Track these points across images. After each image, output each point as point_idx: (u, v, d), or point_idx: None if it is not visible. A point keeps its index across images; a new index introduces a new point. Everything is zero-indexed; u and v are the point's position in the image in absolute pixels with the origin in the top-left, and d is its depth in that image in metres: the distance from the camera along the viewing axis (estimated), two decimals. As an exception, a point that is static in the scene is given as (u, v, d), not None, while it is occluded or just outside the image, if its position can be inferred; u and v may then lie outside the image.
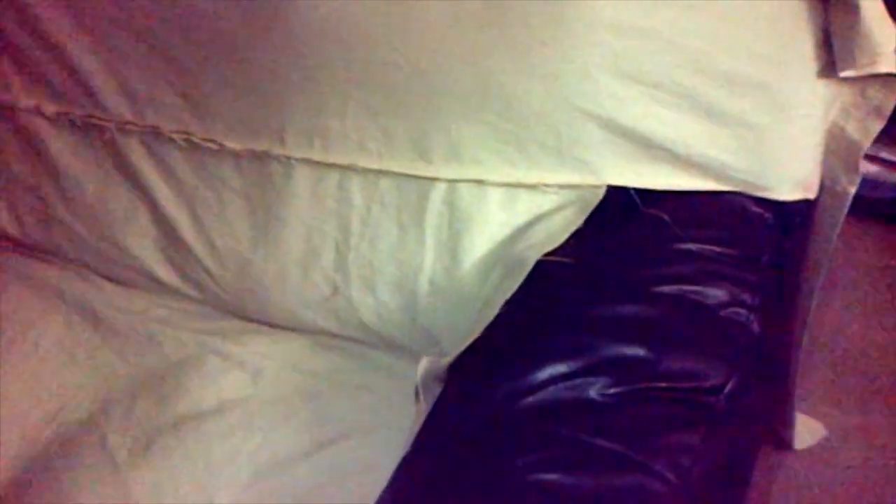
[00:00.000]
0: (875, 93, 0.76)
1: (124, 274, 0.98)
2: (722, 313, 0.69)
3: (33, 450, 0.84)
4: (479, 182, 0.78)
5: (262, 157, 0.85)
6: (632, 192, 0.76)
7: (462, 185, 0.79)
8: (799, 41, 0.73)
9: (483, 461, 0.61)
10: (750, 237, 0.76)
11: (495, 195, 0.78)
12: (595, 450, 0.59)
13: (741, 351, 0.68)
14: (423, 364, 0.71)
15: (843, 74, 0.73)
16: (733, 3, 0.72)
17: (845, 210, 0.82)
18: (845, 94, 0.77)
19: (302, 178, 0.84)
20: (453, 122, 0.76)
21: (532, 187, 0.78)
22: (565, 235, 0.75)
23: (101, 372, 0.91)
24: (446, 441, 0.65)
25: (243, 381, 0.88)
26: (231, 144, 0.86)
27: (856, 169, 0.79)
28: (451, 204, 0.80)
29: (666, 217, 0.73)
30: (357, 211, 0.83)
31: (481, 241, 0.79)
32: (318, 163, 0.83)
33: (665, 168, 0.76)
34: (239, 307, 0.94)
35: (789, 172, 0.77)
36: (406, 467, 0.65)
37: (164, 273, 0.95)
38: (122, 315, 0.96)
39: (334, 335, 0.91)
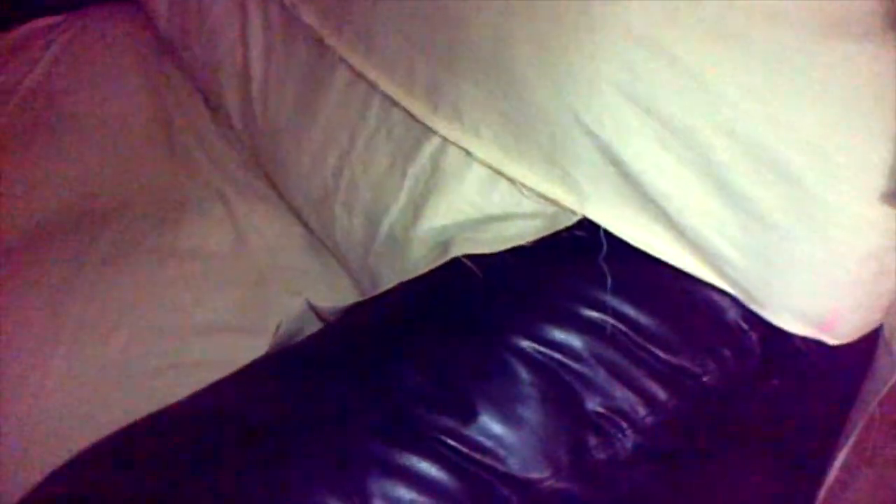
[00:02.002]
0: None
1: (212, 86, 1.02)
2: (589, 407, 0.58)
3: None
4: (468, 153, 0.70)
5: (320, 43, 0.83)
6: (602, 232, 0.64)
7: (452, 149, 0.71)
8: (869, 145, 0.55)
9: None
10: (704, 345, 0.61)
11: (477, 173, 0.70)
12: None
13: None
14: (305, 304, 0.68)
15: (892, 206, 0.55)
16: (811, 68, 0.55)
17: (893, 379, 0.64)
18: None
19: (340, 77, 0.82)
20: (464, 80, 0.68)
21: (513, 182, 0.68)
22: (514, 244, 0.65)
23: (127, 169, 0.97)
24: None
25: (228, 240, 0.90)
26: (304, 18, 0.85)
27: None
28: (436, 162, 0.72)
29: (605, 273, 0.61)
30: (367, 130, 0.79)
31: (444, 210, 0.71)
32: (353, 69, 0.79)
33: (650, 226, 0.63)
34: (264, 164, 0.95)
35: (800, 300, 0.60)
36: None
37: (232, 98, 0.97)
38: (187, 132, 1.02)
39: (320, 240, 0.89)
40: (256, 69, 0.94)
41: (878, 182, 0.56)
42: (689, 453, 0.63)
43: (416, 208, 0.73)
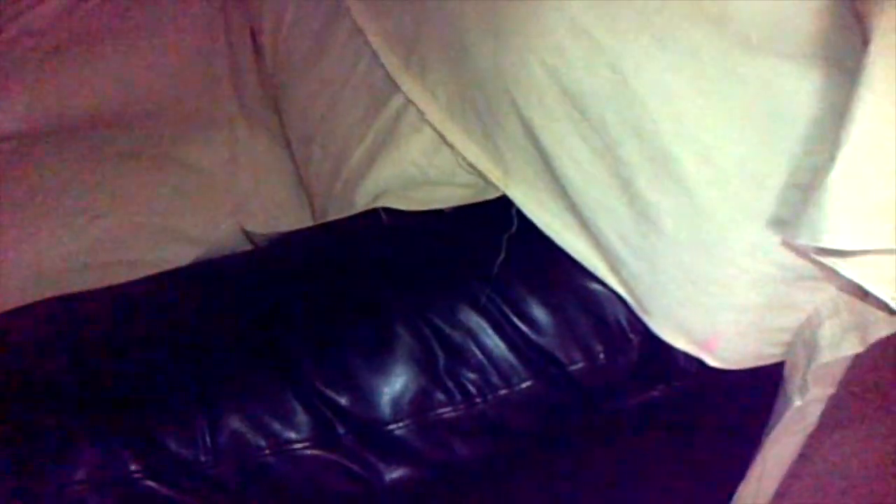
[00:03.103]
0: (866, 308, 0.56)
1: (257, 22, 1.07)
2: (445, 368, 0.59)
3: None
4: (422, 114, 0.72)
5: None
6: (514, 211, 0.65)
7: (412, 109, 0.73)
8: (769, 171, 0.55)
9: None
10: (578, 337, 0.62)
11: (426, 136, 0.72)
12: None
13: None
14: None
15: (783, 236, 0.54)
16: (727, 80, 0.55)
17: (784, 418, 0.63)
18: (831, 282, 0.57)
19: (344, 27, 0.85)
20: (433, 41, 0.71)
21: (453, 151, 0.70)
22: (437, 206, 0.68)
23: (162, 83, 1.03)
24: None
25: (221, 161, 0.95)
26: None
27: (804, 385, 0.60)
28: (396, 119, 0.75)
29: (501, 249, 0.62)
30: (354, 80, 0.82)
31: (390, 166, 0.74)
32: (353, 19, 0.82)
33: (562, 214, 0.64)
34: (278, 100, 1.00)
35: (681, 314, 0.60)
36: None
37: (268, 35, 1.02)
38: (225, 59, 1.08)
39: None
40: (290, 10, 0.98)
41: (772, 209, 0.55)
42: (546, 442, 0.64)
43: (370, 160, 0.76)
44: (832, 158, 0.49)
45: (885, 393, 0.68)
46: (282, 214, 0.91)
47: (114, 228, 0.86)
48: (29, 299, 0.69)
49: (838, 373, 0.67)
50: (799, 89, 0.53)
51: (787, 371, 0.65)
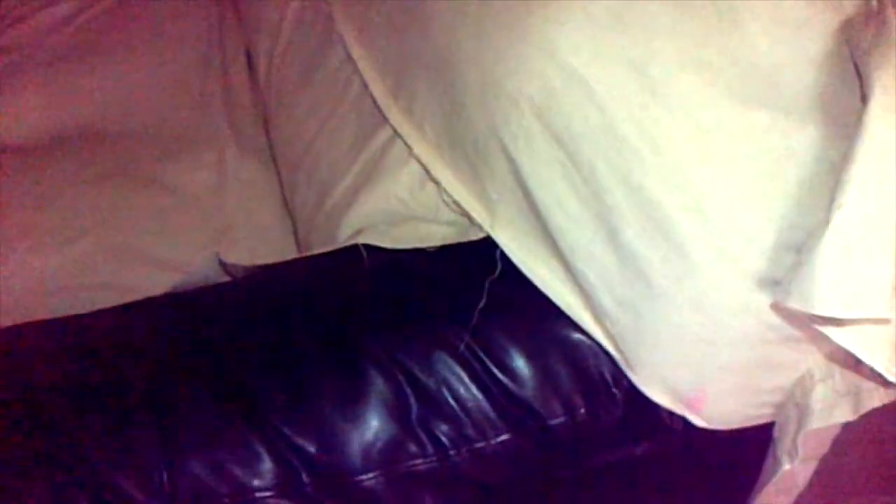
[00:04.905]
0: (860, 378, 0.54)
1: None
2: (419, 417, 0.57)
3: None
4: (410, 149, 0.70)
5: (330, 16, 0.85)
6: (498, 254, 0.63)
7: (399, 143, 0.71)
8: (760, 228, 0.52)
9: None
10: (559, 391, 0.59)
11: (412, 171, 0.70)
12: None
13: None
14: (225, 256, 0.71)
15: (774, 298, 0.52)
16: (720, 132, 0.53)
17: (772, 480, 0.61)
18: (824, 346, 0.55)
19: (336, 54, 0.82)
20: (422, 76, 0.69)
21: (439, 188, 0.68)
22: (419, 245, 0.66)
23: (153, 98, 1.02)
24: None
25: (209, 185, 0.93)
26: None
27: (793, 449, 0.57)
28: (382, 152, 0.73)
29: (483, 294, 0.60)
30: (343, 109, 0.80)
31: (375, 199, 0.72)
32: (345, 46, 0.80)
33: (547, 260, 0.61)
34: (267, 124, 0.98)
35: (666, 371, 0.58)
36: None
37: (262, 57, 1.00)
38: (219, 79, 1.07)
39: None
40: (285, 33, 0.96)
41: (763, 268, 0.53)
42: (524, 497, 0.61)
43: (355, 192, 0.74)
44: (826, 221, 0.47)
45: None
46: (266, 242, 0.89)
47: (90, 251, 0.84)
48: (-1, 322, 0.68)
49: (830, 435, 0.64)
50: (793, 145, 0.51)
51: (776, 432, 0.62)
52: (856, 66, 0.52)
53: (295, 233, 0.87)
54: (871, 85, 0.48)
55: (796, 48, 0.54)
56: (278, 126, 0.92)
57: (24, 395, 0.56)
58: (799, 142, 0.51)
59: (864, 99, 0.48)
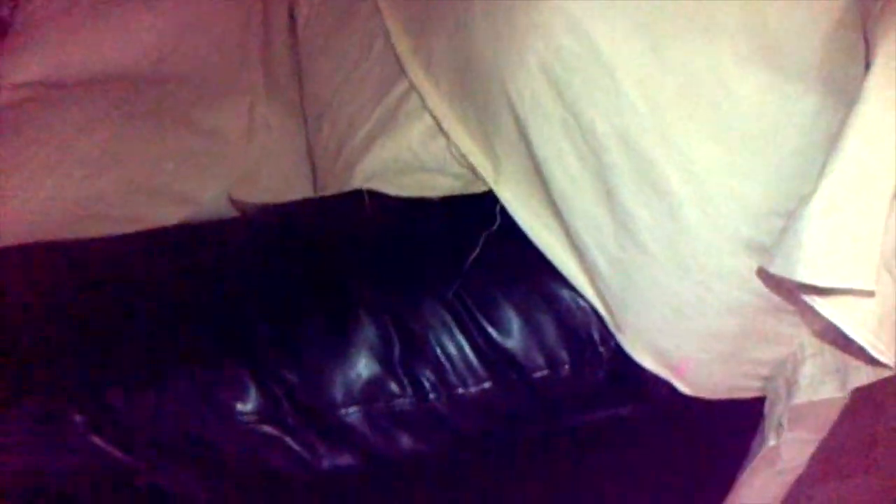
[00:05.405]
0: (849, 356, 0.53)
1: None
2: (401, 360, 0.58)
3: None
4: (423, 101, 0.71)
5: None
6: (499, 208, 0.63)
7: (414, 95, 0.72)
8: (752, 194, 0.52)
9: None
10: (544, 344, 0.60)
11: (425, 124, 0.70)
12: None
13: None
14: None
15: (761, 266, 0.51)
16: (720, 92, 0.52)
17: (759, 455, 0.60)
18: (813, 320, 0.54)
19: (366, 7, 0.83)
20: (442, 31, 0.69)
21: (448, 141, 0.68)
22: (424, 194, 0.66)
23: (196, 44, 1.04)
24: None
25: (238, 131, 0.95)
26: None
27: (780, 425, 0.57)
28: (399, 104, 0.74)
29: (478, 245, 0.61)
30: (368, 62, 0.81)
31: (388, 149, 0.72)
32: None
33: (546, 218, 0.62)
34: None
35: (652, 335, 0.58)
36: None
37: (302, 9, 1.01)
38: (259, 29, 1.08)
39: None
40: None
41: (753, 234, 0.52)
42: (502, 449, 0.62)
43: (371, 141, 0.75)
44: (816, 189, 0.46)
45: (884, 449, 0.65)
46: (286, 189, 0.90)
47: (117, 184, 0.86)
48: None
49: (823, 420, 0.63)
50: (793, 111, 0.50)
51: (767, 408, 0.62)
52: (865, 36, 0.51)
53: (314, 182, 0.89)
54: (875, 53, 0.47)
55: (809, 15, 0.53)
56: (309, 76, 0.93)
57: (26, 313, 0.58)
58: (799, 108, 0.51)
59: (868, 67, 0.47)
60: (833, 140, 0.47)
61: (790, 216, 0.48)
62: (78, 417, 0.56)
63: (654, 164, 0.54)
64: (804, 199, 0.47)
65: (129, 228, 0.72)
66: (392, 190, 0.67)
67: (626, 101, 0.54)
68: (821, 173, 0.46)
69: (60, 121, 0.93)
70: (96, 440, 0.56)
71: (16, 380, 0.56)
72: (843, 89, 0.50)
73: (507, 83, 0.60)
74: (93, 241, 0.67)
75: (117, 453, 0.57)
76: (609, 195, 0.56)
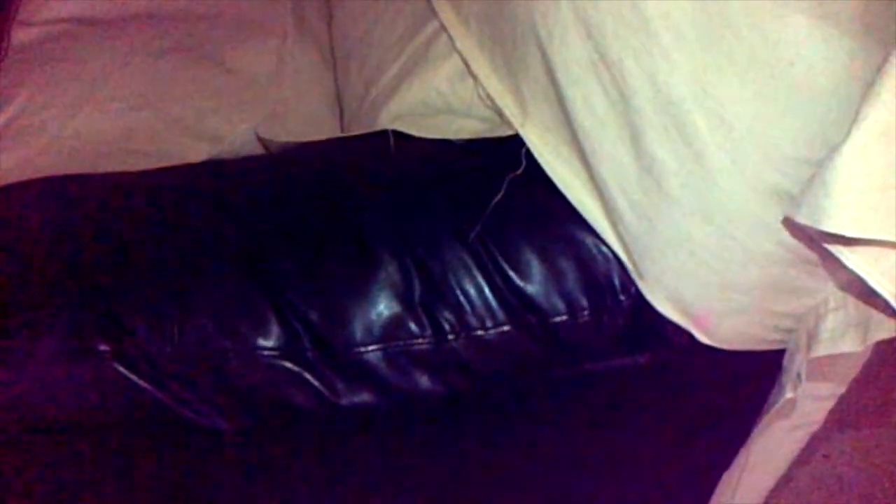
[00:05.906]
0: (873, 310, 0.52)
1: None
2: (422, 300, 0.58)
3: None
4: (453, 42, 0.70)
5: None
6: (524, 151, 0.62)
7: (443, 36, 0.71)
8: (781, 143, 0.51)
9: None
10: (564, 289, 0.60)
11: (453, 65, 0.70)
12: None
13: None
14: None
15: (786, 214, 0.50)
16: (752, 34, 0.51)
17: (775, 408, 0.60)
18: (837, 272, 0.54)
19: None
20: None
21: (476, 83, 0.68)
22: (449, 136, 0.66)
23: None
24: None
25: (266, 70, 0.95)
26: None
27: (798, 377, 0.57)
28: (427, 45, 0.73)
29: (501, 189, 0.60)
30: (398, 2, 0.80)
31: (415, 91, 0.72)
32: None
33: (571, 161, 0.61)
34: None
35: (674, 283, 0.57)
36: None
37: None
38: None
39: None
40: None
41: (779, 181, 0.51)
42: (519, 393, 0.62)
43: (399, 82, 0.74)
44: (847, 136, 0.45)
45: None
46: (314, 129, 0.90)
47: (149, 120, 0.87)
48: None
49: (844, 373, 0.63)
50: (828, 57, 0.49)
51: (786, 360, 0.61)
52: None
53: (341, 123, 0.89)
54: None
55: None
56: (338, 17, 0.92)
57: (52, 244, 0.59)
58: (834, 53, 0.49)
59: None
60: (867, 87, 0.46)
61: (819, 164, 0.47)
62: (103, 346, 0.57)
63: (682, 107, 0.53)
64: (835, 148, 0.46)
65: (158, 164, 0.73)
66: (418, 132, 0.67)
67: (656, 42, 0.53)
68: (853, 121, 0.45)
69: (94, 56, 0.94)
70: (121, 369, 0.58)
71: (41, 310, 0.57)
72: (880, 34, 0.48)
73: (537, 23, 0.59)
74: (121, 174, 0.67)
75: (142, 383, 0.58)
76: (635, 139, 0.55)
